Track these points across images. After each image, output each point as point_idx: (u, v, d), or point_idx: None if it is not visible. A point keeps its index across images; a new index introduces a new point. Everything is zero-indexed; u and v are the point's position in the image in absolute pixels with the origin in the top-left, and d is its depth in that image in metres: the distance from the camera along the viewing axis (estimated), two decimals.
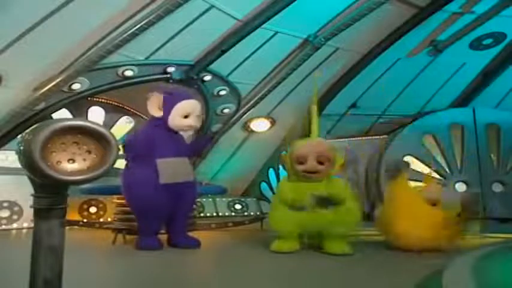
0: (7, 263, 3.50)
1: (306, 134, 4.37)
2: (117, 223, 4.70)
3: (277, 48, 6.10)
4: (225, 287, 2.77)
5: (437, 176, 7.01)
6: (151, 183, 4.03)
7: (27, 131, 1.59)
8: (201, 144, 4.54)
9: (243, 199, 7.28)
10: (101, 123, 5.53)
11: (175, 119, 4.16)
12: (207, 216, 6.68)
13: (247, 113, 7.19)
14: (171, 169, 4.11)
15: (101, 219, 6.04)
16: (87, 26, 4.67)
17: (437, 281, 2.52)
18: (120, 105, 7.55)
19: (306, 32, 5.93)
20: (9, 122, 5.32)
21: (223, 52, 5.61)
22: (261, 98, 6.86)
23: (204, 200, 6.84)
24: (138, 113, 7.61)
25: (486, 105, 7.54)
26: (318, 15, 5.74)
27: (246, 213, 6.94)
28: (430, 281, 2.71)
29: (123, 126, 7.56)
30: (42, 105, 5.41)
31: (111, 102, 7.42)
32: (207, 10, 5.04)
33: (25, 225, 5.66)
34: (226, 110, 6.97)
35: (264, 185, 8.17)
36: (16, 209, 5.74)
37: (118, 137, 3.97)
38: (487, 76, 7.42)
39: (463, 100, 7.73)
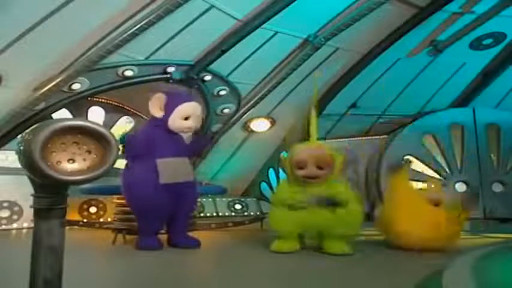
0: (7, 263, 3.51)
1: (306, 135, 4.36)
2: (117, 223, 4.70)
3: (277, 48, 6.10)
4: (225, 287, 2.77)
5: (437, 176, 7.02)
6: (151, 183, 4.03)
7: (27, 131, 1.59)
8: (200, 144, 4.55)
9: (243, 199, 7.28)
10: (101, 123, 5.53)
11: (175, 121, 4.16)
12: (207, 216, 6.68)
13: (247, 113, 7.19)
14: (171, 169, 4.11)
15: (101, 219, 6.05)
16: (87, 26, 4.67)
17: (437, 281, 2.52)
18: (120, 105, 7.55)
19: (306, 32, 5.93)
20: (9, 122, 5.32)
21: (223, 52, 5.61)
22: (261, 98, 6.86)
23: (204, 200, 6.84)
24: (138, 113, 7.62)
25: (486, 105, 7.54)
26: (318, 15, 5.73)
27: (246, 213, 6.94)
28: (430, 281, 2.71)
29: (123, 126, 7.56)
30: (42, 105, 5.41)
31: (111, 102, 7.42)
32: (207, 10, 5.03)
33: (25, 225, 5.67)
34: (226, 110, 6.97)
35: (264, 185, 8.17)
36: (16, 209, 5.75)
37: (117, 137, 4.01)
38: (487, 76, 7.42)
39: (463, 100, 7.73)
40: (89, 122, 1.63)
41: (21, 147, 1.54)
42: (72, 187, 1.65)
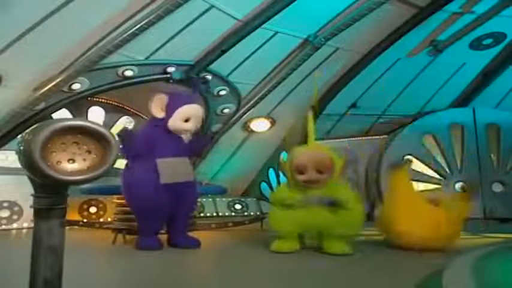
0: (7, 263, 3.51)
1: (305, 136, 4.34)
2: (117, 223, 4.70)
3: (277, 48, 6.10)
4: (225, 287, 2.77)
5: (437, 176, 7.02)
6: (151, 183, 4.03)
7: (27, 131, 1.59)
8: (200, 144, 4.55)
9: (243, 199, 7.28)
10: (101, 123, 5.53)
11: (175, 122, 4.17)
12: (207, 216, 6.68)
13: (247, 113, 7.19)
14: (171, 169, 4.11)
15: (101, 219, 6.05)
16: (87, 26, 4.67)
17: (437, 281, 2.52)
18: (120, 105, 7.55)
19: (306, 32, 5.93)
20: (9, 122, 5.32)
21: (223, 52, 5.61)
22: (261, 98, 6.87)
23: (204, 200, 6.84)
24: (138, 113, 7.62)
25: (486, 105, 7.54)
26: (318, 15, 5.73)
27: (246, 213, 6.95)
28: (430, 281, 2.71)
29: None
30: (42, 105, 5.41)
31: (111, 102, 7.42)
32: (207, 10, 5.04)
33: (25, 225, 5.67)
34: (226, 110, 6.97)
35: (264, 185, 8.17)
36: (16, 209, 5.75)
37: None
38: (487, 76, 7.42)
39: (463, 100, 7.73)
40: (89, 122, 1.63)
41: (21, 147, 1.54)
42: (72, 187, 1.65)
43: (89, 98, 6.53)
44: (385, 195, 5.36)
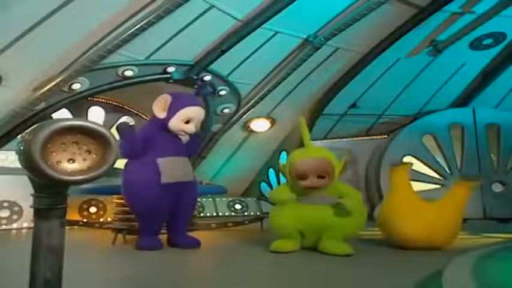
0: (7, 263, 3.51)
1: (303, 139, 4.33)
2: (117, 223, 4.70)
3: (277, 48, 6.10)
4: (225, 287, 2.77)
5: (437, 176, 7.03)
6: (151, 183, 4.03)
7: (27, 131, 1.59)
8: (195, 143, 4.54)
9: (243, 199, 7.28)
10: (101, 123, 5.53)
11: (176, 123, 4.17)
12: (207, 216, 6.68)
13: (247, 113, 7.19)
14: (172, 168, 4.12)
15: (101, 219, 6.05)
16: (87, 26, 4.67)
17: (437, 281, 2.51)
18: (120, 105, 7.55)
19: (306, 32, 5.93)
20: (9, 122, 5.32)
21: (223, 52, 5.61)
22: (261, 98, 6.87)
23: (204, 200, 6.85)
24: (138, 113, 7.62)
25: (486, 105, 7.54)
26: (318, 15, 5.74)
27: (246, 213, 6.95)
28: (430, 281, 2.71)
29: None
30: (42, 105, 5.41)
31: (111, 102, 7.43)
32: (207, 10, 5.04)
33: (25, 225, 5.66)
34: (226, 110, 6.97)
35: (264, 185, 8.17)
36: (16, 209, 5.74)
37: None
38: (487, 76, 7.42)
39: (463, 100, 7.73)
40: (89, 122, 1.63)
41: (21, 147, 1.54)
42: (72, 187, 1.65)
43: (89, 98, 6.53)
44: (385, 194, 5.36)
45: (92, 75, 5.31)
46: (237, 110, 7.07)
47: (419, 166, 6.96)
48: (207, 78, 6.08)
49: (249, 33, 5.45)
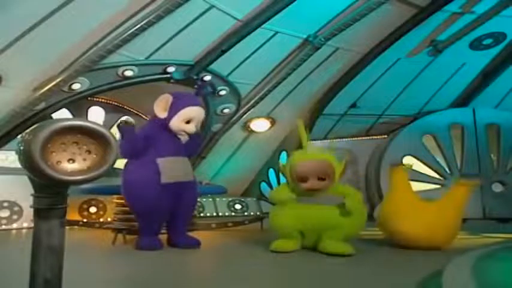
0: (7, 263, 3.51)
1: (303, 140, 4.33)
2: (117, 223, 4.70)
3: (277, 48, 6.10)
4: (225, 287, 2.77)
5: (437, 176, 7.02)
6: (151, 183, 4.03)
7: (27, 131, 1.59)
8: (195, 143, 4.54)
9: (243, 199, 7.28)
10: (101, 123, 5.53)
11: (177, 123, 4.17)
12: (207, 216, 6.68)
13: (247, 113, 7.19)
14: (172, 168, 4.12)
15: (101, 219, 6.05)
16: (87, 26, 4.67)
17: (437, 281, 2.51)
18: (120, 105, 7.55)
19: (306, 32, 5.93)
20: (9, 122, 5.32)
21: (223, 52, 5.61)
22: (261, 98, 6.87)
23: (204, 200, 6.85)
24: (138, 113, 7.62)
25: (486, 105, 7.54)
26: (318, 15, 5.74)
27: (246, 213, 6.94)
28: (430, 281, 2.71)
29: None
30: (42, 105, 5.41)
31: (111, 102, 7.43)
32: (207, 10, 5.04)
33: (25, 225, 5.66)
34: (226, 110, 6.97)
35: (264, 185, 8.17)
36: (16, 209, 5.74)
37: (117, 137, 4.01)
38: (487, 76, 7.42)
39: (463, 100, 7.73)
40: (89, 122, 1.63)
41: (21, 147, 1.54)
42: (72, 187, 1.65)
43: (89, 98, 6.53)
44: (385, 194, 5.36)
45: (92, 75, 5.31)
46: (237, 110, 7.07)
47: (419, 166, 6.96)
48: (207, 78, 6.08)
49: (249, 33, 5.45)
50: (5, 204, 5.73)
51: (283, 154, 7.86)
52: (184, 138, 4.29)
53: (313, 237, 3.91)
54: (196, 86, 5.34)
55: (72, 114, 6.65)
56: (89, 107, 7.23)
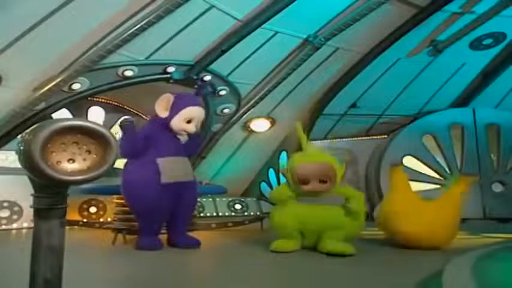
0: (7, 263, 3.51)
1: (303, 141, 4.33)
2: (117, 223, 4.70)
3: (277, 48, 6.10)
4: (225, 287, 2.77)
5: (437, 176, 7.02)
6: (151, 183, 4.03)
7: (27, 131, 1.59)
8: (195, 143, 4.55)
9: (243, 199, 7.28)
10: (101, 123, 5.53)
11: (178, 122, 4.18)
12: (207, 216, 6.68)
13: (247, 113, 7.19)
14: (172, 168, 4.12)
15: (101, 219, 6.05)
16: (87, 26, 4.68)
17: (437, 281, 2.51)
18: (120, 105, 7.56)
19: (306, 32, 5.93)
20: (9, 122, 5.32)
21: (223, 52, 5.61)
22: (261, 98, 6.87)
23: (204, 200, 6.85)
24: (138, 113, 7.62)
25: (486, 105, 7.54)
26: (318, 15, 5.74)
27: (246, 213, 6.95)
28: (430, 281, 2.71)
29: None
30: (42, 105, 5.41)
31: (111, 102, 7.43)
32: (207, 10, 5.04)
33: (25, 225, 5.66)
34: (226, 110, 6.97)
35: (264, 185, 8.17)
36: (16, 209, 5.74)
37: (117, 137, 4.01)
38: (487, 76, 7.42)
39: (463, 100, 7.73)
40: (89, 122, 1.63)
41: (21, 147, 1.54)
42: (72, 187, 1.65)
43: (89, 98, 6.53)
44: (385, 194, 5.37)
45: (92, 75, 5.31)
46: (237, 110, 7.07)
47: (419, 166, 6.96)
48: (207, 78, 6.08)
49: (249, 33, 5.45)
50: (5, 204, 5.73)
51: (283, 154, 7.86)
52: (183, 138, 4.29)
53: (313, 237, 3.91)
54: (196, 86, 5.34)
55: (72, 114, 6.65)
56: (89, 107, 7.23)
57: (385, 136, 7.69)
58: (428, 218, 3.93)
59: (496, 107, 7.73)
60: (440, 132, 7.20)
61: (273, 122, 7.64)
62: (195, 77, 5.91)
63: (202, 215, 6.64)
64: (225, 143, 7.53)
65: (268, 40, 5.87)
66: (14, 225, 5.70)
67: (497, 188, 6.95)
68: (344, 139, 7.75)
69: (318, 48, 6.07)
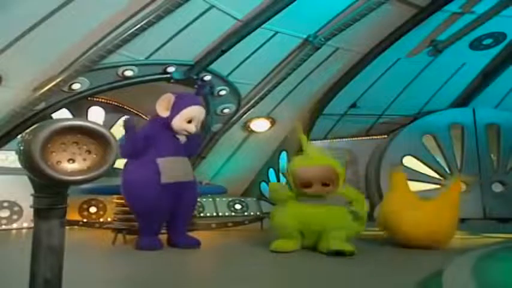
0: (7, 263, 3.51)
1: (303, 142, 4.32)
2: (117, 223, 4.70)
3: (277, 48, 6.10)
4: (225, 287, 2.77)
5: (437, 176, 7.02)
6: (151, 183, 4.03)
7: (27, 131, 1.59)
8: (195, 143, 4.55)
9: (243, 199, 7.28)
10: (101, 123, 5.53)
11: (179, 122, 4.18)
12: (207, 216, 6.68)
13: (247, 113, 7.19)
14: (172, 168, 4.12)
15: (101, 219, 6.05)
16: (87, 26, 4.67)
17: (437, 281, 2.51)
18: (120, 105, 7.55)
19: (306, 32, 5.93)
20: (9, 122, 5.32)
21: (223, 52, 5.61)
22: (261, 98, 6.87)
23: (204, 200, 6.84)
24: (138, 113, 7.62)
25: (486, 105, 7.54)
26: (318, 15, 5.73)
27: (246, 213, 6.95)
28: (430, 281, 2.71)
29: None
30: (42, 105, 5.41)
31: (111, 102, 7.42)
32: (207, 10, 5.04)
33: (25, 225, 5.66)
34: (226, 110, 6.97)
35: (264, 185, 8.16)
36: (16, 209, 5.74)
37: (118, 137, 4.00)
38: (487, 76, 7.42)
39: (463, 100, 7.73)
40: (89, 122, 1.63)
41: (21, 147, 1.54)
42: (72, 187, 1.65)
43: (89, 98, 6.53)
44: (385, 194, 5.37)
45: (92, 75, 5.31)
46: (237, 110, 7.07)
47: (419, 166, 6.96)
48: (207, 78, 6.08)
49: (249, 33, 5.45)
50: (5, 204, 5.73)
51: (283, 154, 7.86)
52: (183, 138, 4.30)
53: (313, 237, 3.91)
54: (196, 86, 5.35)
55: (72, 114, 6.65)
56: (89, 107, 7.23)
57: (385, 136, 7.69)
58: (428, 217, 3.94)
59: (496, 107, 7.74)
60: (440, 132, 7.20)
61: (273, 122, 7.64)
62: (195, 77, 5.91)
63: (202, 215, 6.64)
64: (225, 143, 7.53)
65: (268, 40, 5.87)
66: (14, 225, 5.70)
67: (497, 188, 6.95)
68: (344, 139, 7.75)
69: (318, 48, 6.07)
